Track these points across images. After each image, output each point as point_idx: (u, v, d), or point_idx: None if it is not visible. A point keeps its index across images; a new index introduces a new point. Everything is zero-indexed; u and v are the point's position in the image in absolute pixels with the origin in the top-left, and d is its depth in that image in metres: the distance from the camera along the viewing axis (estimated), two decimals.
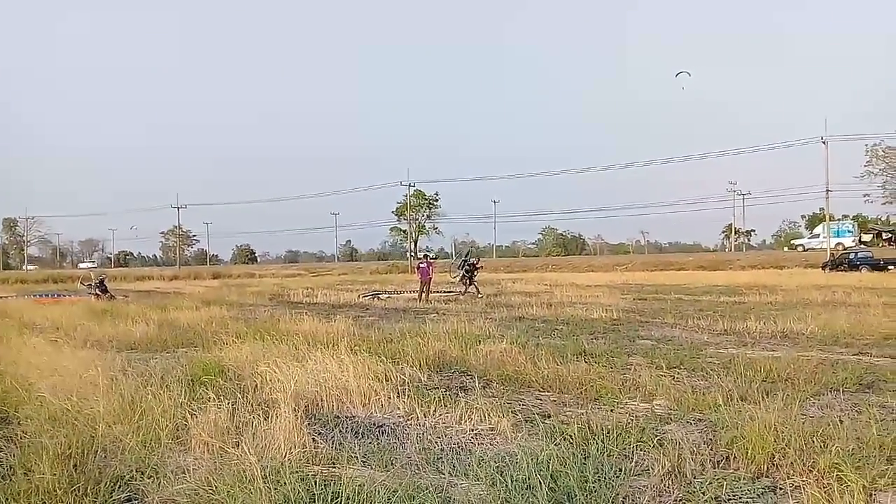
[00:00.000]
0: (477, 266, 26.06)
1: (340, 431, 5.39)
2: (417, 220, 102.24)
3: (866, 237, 72.08)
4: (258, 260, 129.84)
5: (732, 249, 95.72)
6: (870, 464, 4.05)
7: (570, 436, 4.82)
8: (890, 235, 73.16)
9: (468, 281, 25.25)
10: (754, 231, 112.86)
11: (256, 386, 6.70)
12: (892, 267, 46.57)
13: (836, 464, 4.00)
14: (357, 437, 5.23)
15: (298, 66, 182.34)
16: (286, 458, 4.48)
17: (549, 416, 5.61)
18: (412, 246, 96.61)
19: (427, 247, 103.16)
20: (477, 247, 29.46)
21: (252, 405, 5.85)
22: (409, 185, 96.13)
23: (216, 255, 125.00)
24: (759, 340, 10.49)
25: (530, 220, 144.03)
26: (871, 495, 3.65)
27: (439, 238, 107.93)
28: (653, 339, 10.79)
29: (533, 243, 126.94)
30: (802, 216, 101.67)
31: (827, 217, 71.74)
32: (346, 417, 5.86)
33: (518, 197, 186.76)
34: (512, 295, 24.91)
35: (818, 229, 74.61)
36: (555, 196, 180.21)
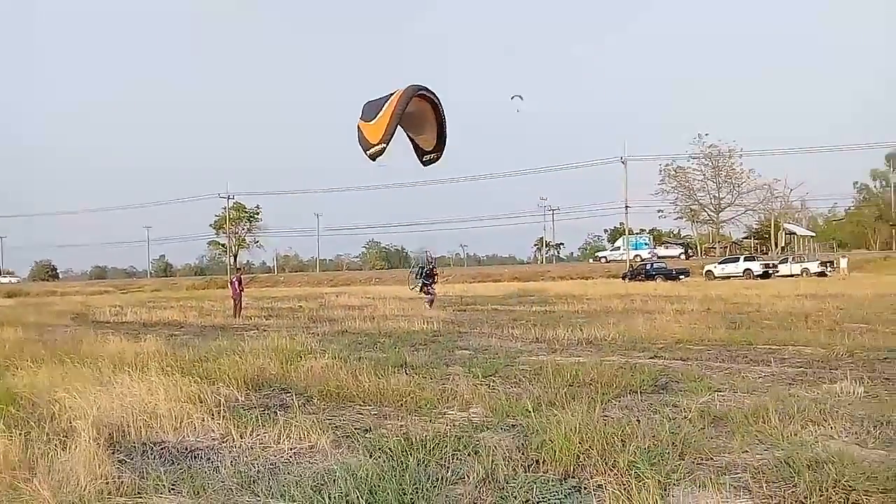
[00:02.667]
0: (434, 273, 24.64)
1: (148, 459, 5.06)
2: (237, 233, 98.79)
3: (676, 250, 78.28)
4: (60, 276, 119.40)
5: (544, 261, 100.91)
6: (664, 460, 4.41)
7: (389, 449, 4.84)
8: (681, 247, 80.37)
9: (428, 290, 23.86)
10: (563, 244, 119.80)
11: (54, 414, 6.15)
12: (683, 276, 51.27)
13: (634, 461, 4.33)
14: (167, 463, 4.94)
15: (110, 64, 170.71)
16: (86, 491, 4.15)
17: (370, 431, 5.61)
18: (232, 260, 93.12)
19: (248, 261, 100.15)
20: (432, 256, 27.22)
21: (48, 435, 5.36)
22: (229, 198, 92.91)
23: (12, 272, 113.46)
24: (566, 347, 11.13)
25: (354, 233, 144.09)
26: (665, 489, 3.96)
27: (260, 252, 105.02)
28: (471, 350, 11.13)
29: (357, 257, 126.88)
30: (605, 230, 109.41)
31: (626, 230, 77.76)
32: (155, 443, 5.51)
33: (342, 211, 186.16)
34: (335, 309, 24.71)
35: (619, 242, 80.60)
36: (379, 209, 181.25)
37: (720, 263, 54.65)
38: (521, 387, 7.42)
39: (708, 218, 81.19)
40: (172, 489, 4.26)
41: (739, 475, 4.20)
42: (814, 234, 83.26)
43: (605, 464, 4.38)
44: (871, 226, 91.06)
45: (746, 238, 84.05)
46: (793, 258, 55.36)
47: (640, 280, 49.91)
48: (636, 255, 72.15)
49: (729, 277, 49.80)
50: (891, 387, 6.91)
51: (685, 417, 5.65)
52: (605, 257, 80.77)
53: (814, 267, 50.96)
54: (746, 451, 4.68)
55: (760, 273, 49.73)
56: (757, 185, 76.90)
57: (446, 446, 4.88)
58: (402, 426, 5.65)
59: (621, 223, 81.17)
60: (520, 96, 52.78)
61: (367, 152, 9.77)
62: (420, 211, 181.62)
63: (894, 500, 3.67)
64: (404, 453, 4.72)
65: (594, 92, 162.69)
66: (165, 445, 5.46)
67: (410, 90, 10.07)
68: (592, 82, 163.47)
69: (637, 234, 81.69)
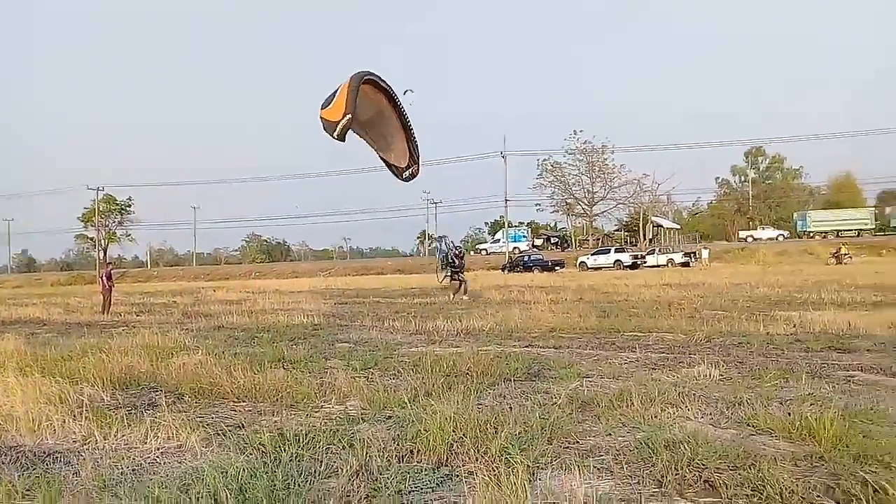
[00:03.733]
0: (461, 258, 23.28)
1: (1, 464, 4.75)
2: (107, 226, 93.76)
3: (538, 241, 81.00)
4: None
5: (427, 254, 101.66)
6: (533, 445, 4.56)
7: (262, 445, 4.76)
8: (557, 239, 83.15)
9: (457, 278, 22.57)
10: (446, 236, 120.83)
11: None
12: (558, 267, 53.02)
13: (505, 447, 4.45)
14: (21, 468, 4.64)
15: None
16: None
17: (243, 427, 5.49)
18: (101, 255, 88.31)
19: (119, 255, 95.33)
20: (455, 244, 24.82)
21: None
22: (98, 190, 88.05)
23: None
24: (445, 338, 11.29)
25: (231, 226, 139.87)
26: (533, 473, 4.10)
27: (133, 246, 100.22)
28: (351, 342, 11.09)
29: (236, 250, 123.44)
30: (486, 223, 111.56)
31: (506, 223, 79.56)
32: (10, 448, 5.17)
33: (220, 203, 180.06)
34: (212, 304, 23.95)
35: (499, 234, 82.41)
36: (259, 202, 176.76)
37: (593, 255, 57.02)
38: (399, 378, 7.46)
39: (582, 211, 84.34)
40: (27, 495, 4.02)
41: (603, 457, 4.41)
42: (679, 227, 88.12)
43: (478, 451, 4.48)
44: (731, 218, 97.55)
45: (618, 230, 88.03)
46: (659, 249, 58.41)
47: (518, 271, 51.28)
48: (515, 247, 73.99)
49: (601, 268, 52.05)
50: (743, 370, 7.41)
51: (555, 403, 5.84)
52: (486, 249, 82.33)
53: (678, 258, 54.06)
54: (610, 435, 4.91)
55: (630, 264, 52.25)
56: (628, 180, 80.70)
57: (321, 440, 4.85)
58: (276, 422, 5.57)
59: (501, 216, 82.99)
60: (411, 90, 53.19)
61: (335, 132, 8.85)
62: (303, 203, 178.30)
63: (742, 476, 3.96)
64: (277, 449, 4.65)
65: (483, 91, 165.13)
66: (21, 450, 5.13)
67: (358, 76, 9.27)
68: (480, 81, 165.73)
69: (516, 226, 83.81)
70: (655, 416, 5.32)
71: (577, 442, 4.76)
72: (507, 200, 76.68)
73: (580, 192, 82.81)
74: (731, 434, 4.83)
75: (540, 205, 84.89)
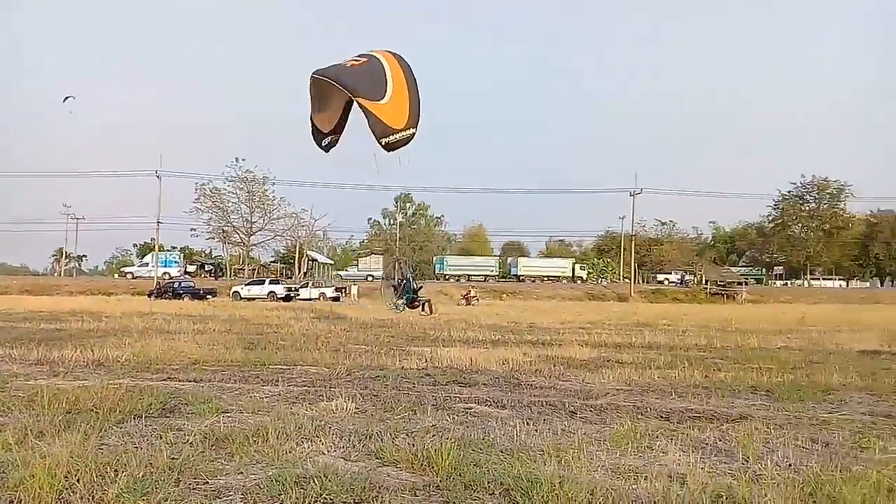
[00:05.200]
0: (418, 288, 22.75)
1: None
2: None
3: (191, 268, 77.67)
4: None
5: (62, 274, 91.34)
6: (157, 488, 4.29)
7: None
8: (211, 267, 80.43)
9: (417, 302, 22.61)
10: (86, 256, 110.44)
11: None
12: (210, 296, 51.24)
13: (124, 492, 4.13)
14: None
15: None
16: None
17: None
18: None
19: None
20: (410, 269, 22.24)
21: None
22: None
23: None
24: (72, 370, 10.17)
25: None
26: None
27: None
28: None
29: None
30: (135, 244, 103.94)
31: (157, 247, 75.03)
32: None
33: None
34: None
35: (148, 258, 77.33)
36: None
37: (247, 285, 56.24)
38: (8, 416, 6.54)
39: (239, 240, 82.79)
40: None
41: (232, 497, 4.31)
42: (332, 262, 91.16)
43: (93, 498, 4.10)
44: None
45: (274, 262, 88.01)
46: (312, 283, 59.65)
47: (167, 298, 48.37)
48: (165, 273, 69.99)
49: (255, 299, 51.40)
50: (377, 402, 7.83)
51: (187, 441, 5.59)
52: (131, 273, 76.53)
53: (330, 292, 55.77)
54: (242, 472, 4.83)
55: (283, 296, 52.45)
56: (287, 213, 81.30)
57: None
58: None
59: (153, 238, 77.90)
60: (72, 97, 49.33)
61: (392, 137, 7.68)
62: None
63: None
64: None
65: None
66: None
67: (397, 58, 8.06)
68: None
69: (168, 251, 79.35)
70: (290, 451, 5.36)
71: (207, 482, 4.59)
72: (159, 222, 72.41)
73: (238, 220, 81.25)
74: (360, 467, 5.05)
75: (195, 230, 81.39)
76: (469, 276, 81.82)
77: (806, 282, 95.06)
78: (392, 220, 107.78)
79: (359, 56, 8.53)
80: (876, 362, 13.15)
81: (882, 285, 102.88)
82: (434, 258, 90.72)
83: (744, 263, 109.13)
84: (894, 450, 5.81)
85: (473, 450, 5.53)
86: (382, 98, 7.86)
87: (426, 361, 11.78)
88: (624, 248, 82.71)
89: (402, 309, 25.36)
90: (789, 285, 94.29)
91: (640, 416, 7.26)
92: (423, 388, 9.03)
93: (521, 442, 5.88)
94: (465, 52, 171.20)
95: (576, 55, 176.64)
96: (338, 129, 9.04)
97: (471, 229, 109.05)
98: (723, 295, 72.84)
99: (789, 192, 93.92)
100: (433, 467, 4.96)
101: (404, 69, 8.30)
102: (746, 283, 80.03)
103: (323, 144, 9.20)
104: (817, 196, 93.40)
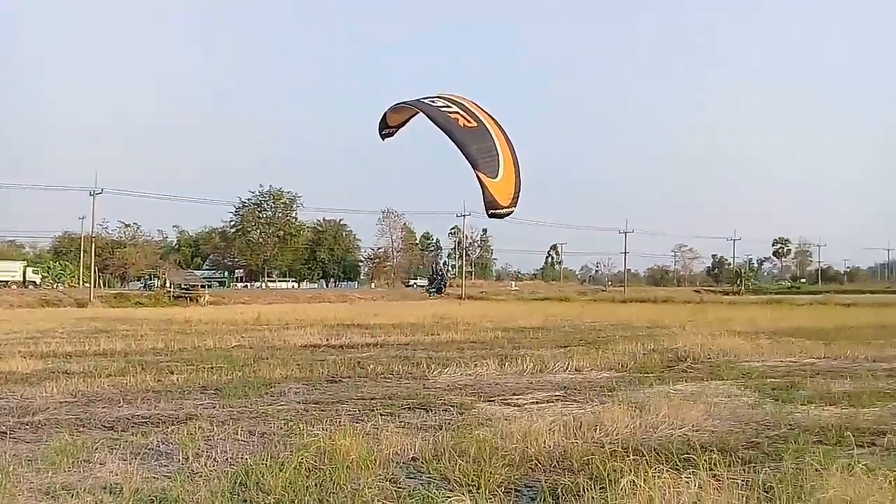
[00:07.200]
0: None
1: None
2: None
3: None
4: None
5: None
6: None
7: None
8: None
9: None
10: None
11: None
12: None
13: None
14: None
15: None
16: None
17: None
18: None
19: None
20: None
21: None
22: None
23: None
24: None
25: None
26: None
27: None
28: None
29: None
30: None
31: None
32: None
33: None
34: None
35: None
36: None
37: None
38: None
39: None
40: None
41: None
42: None
43: None
44: None
45: None
46: None
47: None
48: None
49: None
50: None
51: None
52: None
53: None
54: None
55: None
56: None
57: None
58: None
59: None
60: None
61: (495, 211, 8.62)
62: None
63: None
64: None
65: None
66: None
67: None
68: None
69: None
70: None
71: None
72: None
73: None
74: None
75: None
76: None
77: (264, 283, 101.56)
78: None
79: (461, 109, 9.11)
80: (315, 354, 14.84)
81: (328, 286, 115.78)
82: None
83: (208, 267, 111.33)
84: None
85: None
86: (496, 177, 8.81)
87: None
88: (84, 251, 76.65)
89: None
90: (249, 287, 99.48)
91: (82, 429, 6.89)
92: None
93: None
94: None
95: None
96: (399, 128, 10.15)
97: None
98: (186, 298, 73.22)
99: (249, 199, 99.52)
100: None
101: (510, 144, 9.12)
102: (210, 286, 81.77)
103: (383, 133, 10.27)
104: (273, 205, 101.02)
